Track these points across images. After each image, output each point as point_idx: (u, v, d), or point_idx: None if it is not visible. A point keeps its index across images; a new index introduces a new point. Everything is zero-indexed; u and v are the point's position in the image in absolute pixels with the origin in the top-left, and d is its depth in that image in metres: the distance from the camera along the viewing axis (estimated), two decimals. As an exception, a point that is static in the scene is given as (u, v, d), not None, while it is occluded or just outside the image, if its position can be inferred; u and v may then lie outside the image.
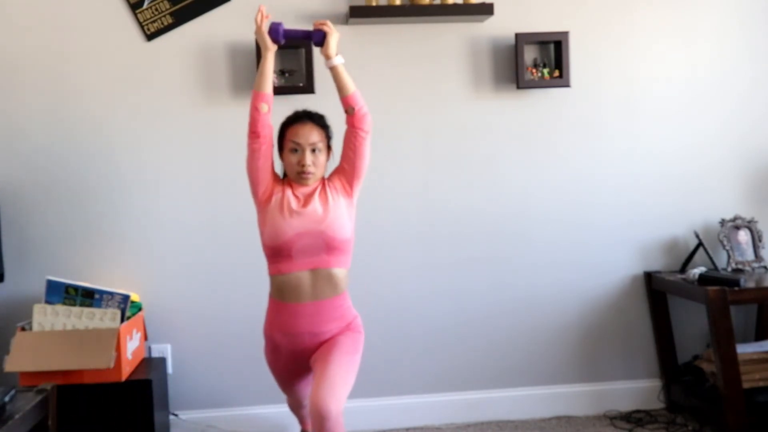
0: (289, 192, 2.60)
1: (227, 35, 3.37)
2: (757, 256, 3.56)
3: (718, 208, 3.64)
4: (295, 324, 2.56)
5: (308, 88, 3.31)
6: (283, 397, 2.99)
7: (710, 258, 3.51)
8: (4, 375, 2.99)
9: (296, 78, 3.35)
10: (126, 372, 2.96)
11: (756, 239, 3.57)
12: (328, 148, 2.67)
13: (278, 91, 3.15)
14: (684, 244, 3.64)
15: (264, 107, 2.55)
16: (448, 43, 3.48)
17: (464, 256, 3.53)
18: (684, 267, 3.58)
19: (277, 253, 2.55)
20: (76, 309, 2.98)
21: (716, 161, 3.66)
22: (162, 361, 3.30)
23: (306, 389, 2.77)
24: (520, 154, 3.54)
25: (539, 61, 3.51)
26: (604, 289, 3.62)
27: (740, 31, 3.65)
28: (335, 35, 2.59)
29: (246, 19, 3.38)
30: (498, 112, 3.52)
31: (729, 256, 3.53)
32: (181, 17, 3.35)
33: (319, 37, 2.60)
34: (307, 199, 2.59)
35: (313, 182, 2.62)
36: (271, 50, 2.59)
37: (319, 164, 2.60)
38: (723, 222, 3.55)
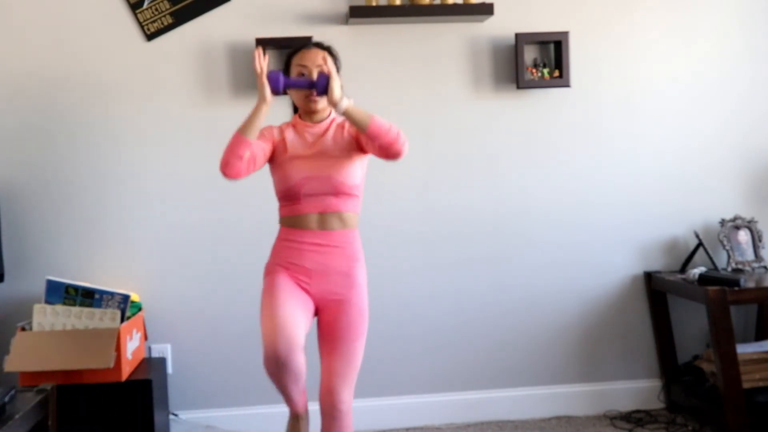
0: (291, 134, 2.50)
1: (227, 35, 3.37)
2: (757, 256, 3.56)
3: (718, 208, 3.64)
4: (302, 247, 2.46)
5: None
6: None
7: (710, 258, 3.51)
8: (4, 375, 2.99)
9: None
10: (126, 372, 2.96)
11: (756, 239, 3.57)
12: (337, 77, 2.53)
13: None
14: (684, 244, 3.64)
15: (247, 153, 2.38)
16: (448, 43, 3.48)
17: (464, 256, 3.53)
18: (684, 267, 3.58)
19: (286, 196, 2.48)
20: (76, 309, 2.98)
21: (716, 161, 3.66)
22: (162, 361, 3.30)
23: (299, 328, 2.34)
24: (520, 154, 3.54)
25: (539, 61, 3.51)
26: (604, 289, 3.62)
27: (740, 31, 3.65)
28: (337, 80, 2.39)
29: (246, 19, 3.38)
30: (498, 112, 3.52)
31: (729, 256, 3.53)
32: (181, 17, 3.35)
33: (322, 85, 2.39)
34: (315, 141, 2.50)
35: (321, 106, 2.51)
36: (268, 103, 2.38)
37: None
38: (723, 222, 3.55)
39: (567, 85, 3.46)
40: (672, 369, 3.60)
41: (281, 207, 2.55)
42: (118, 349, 2.89)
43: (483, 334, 3.56)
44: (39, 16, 3.29)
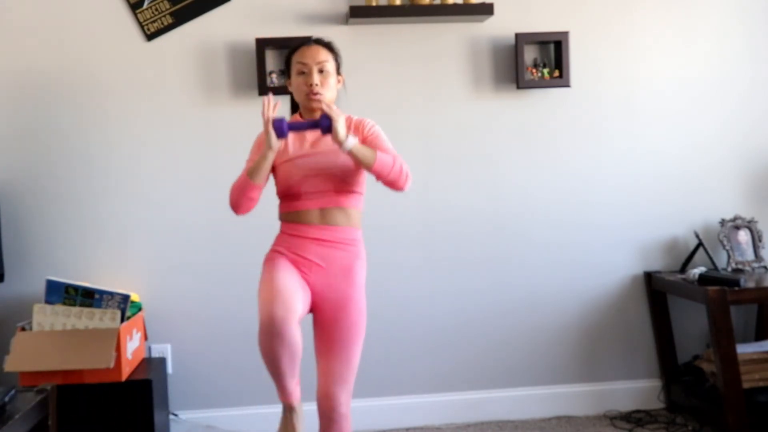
0: (295, 135, 2.49)
1: (227, 35, 3.37)
2: (757, 256, 3.56)
3: (718, 208, 3.64)
4: (303, 237, 2.44)
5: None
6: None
7: (710, 258, 3.51)
8: (4, 375, 2.99)
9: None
10: (126, 372, 2.96)
11: (756, 239, 3.57)
12: (338, 74, 2.54)
13: (278, 91, 3.15)
14: (684, 244, 3.64)
15: (257, 195, 2.44)
16: (448, 43, 3.48)
17: (464, 256, 3.53)
18: (684, 267, 3.58)
19: (287, 194, 2.48)
20: (76, 309, 2.98)
21: (716, 161, 3.66)
22: (162, 361, 3.30)
23: (296, 302, 2.31)
24: (520, 154, 3.54)
25: (539, 61, 3.51)
26: (604, 289, 3.62)
27: (740, 31, 3.65)
28: (341, 118, 2.35)
29: (246, 19, 3.38)
30: (498, 112, 3.52)
31: (729, 256, 3.53)
32: (181, 17, 3.35)
33: (325, 126, 2.38)
34: (317, 139, 2.48)
35: (320, 107, 2.46)
36: (275, 151, 2.39)
37: (327, 86, 2.47)
38: (723, 222, 3.55)
39: (567, 85, 3.46)
40: (672, 369, 3.60)
41: (281, 204, 2.54)
42: (118, 349, 2.89)
43: (483, 334, 3.56)
44: (39, 16, 3.29)
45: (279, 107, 2.43)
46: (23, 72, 3.30)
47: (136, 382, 2.95)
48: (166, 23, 3.35)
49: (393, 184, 2.42)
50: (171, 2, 3.34)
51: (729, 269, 3.53)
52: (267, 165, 2.40)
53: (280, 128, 2.38)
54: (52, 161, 3.32)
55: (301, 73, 2.47)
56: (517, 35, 3.41)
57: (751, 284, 3.26)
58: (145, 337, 3.28)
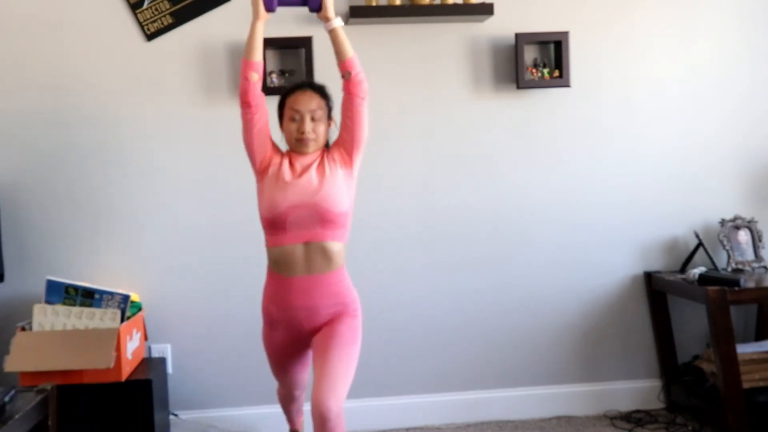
0: (286, 163, 2.56)
1: (227, 35, 3.37)
2: (757, 256, 3.56)
3: (718, 208, 3.64)
4: (290, 297, 2.53)
5: (308, 87, 3.30)
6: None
7: (710, 258, 3.51)
8: (4, 375, 2.99)
9: (296, 78, 3.34)
10: (126, 372, 2.96)
11: (756, 239, 3.58)
12: (329, 118, 2.62)
13: (278, 91, 3.15)
14: (684, 244, 3.64)
15: (254, 76, 2.52)
16: (448, 43, 3.48)
17: (464, 256, 3.53)
18: (684, 267, 3.58)
19: (272, 224, 2.53)
20: (76, 309, 2.98)
21: (716, 161, 3.66)
22: (162, 361, 3.30)
23: (301, 376, 2.77)
24: (520, 154, 3.54)
25: (539, 61, 3.51)
26: (604, 289, 3.62)
27: (740, 31, 3.65)
28: None
29: (246, 19, 3.37)
30: (498, 112, 3.52)
31: (729, 256, 3.53)
32: (181, 17, 3.35)
33: (316, 2, 2.53)
34: (304, 170, 2.54)
35: (312, 149, 2.56)
36: (262, 19, 2.57)
37: (318, 132, 2.55)
38: (723, 222, 3.55)
39: (567, 85, 3.46)
40: (672, 369, 3.60)
41: (267, 236, 2.58)
42: (118, 349, 2.90)
43: (483, 334, 3.56)
44: (39, 16, 3.29)
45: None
46: (23, 72, 3.29)
47: (136, 382, 2.95)
48: (166, 23, 3.35)
49: (354, 88, 2.54)
50: (171, 2, 3.34)
51: (729, 269, 3.53)
52: (256, 37, 2.55)
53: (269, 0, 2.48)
54: (52, 162, 3.32)
55: (293, 119, 2.56)
56: (517, 35, 3.41)
57: (751, 284, 3.26)
58: (145, 337, 3.28)
